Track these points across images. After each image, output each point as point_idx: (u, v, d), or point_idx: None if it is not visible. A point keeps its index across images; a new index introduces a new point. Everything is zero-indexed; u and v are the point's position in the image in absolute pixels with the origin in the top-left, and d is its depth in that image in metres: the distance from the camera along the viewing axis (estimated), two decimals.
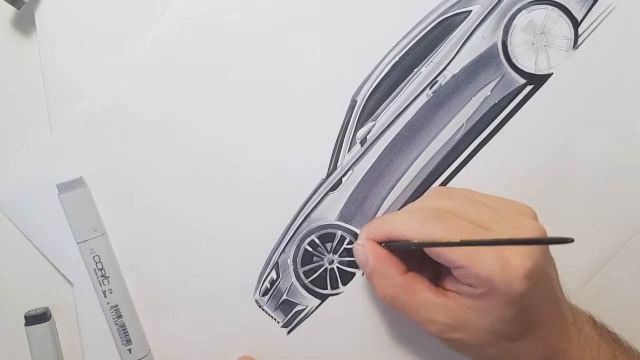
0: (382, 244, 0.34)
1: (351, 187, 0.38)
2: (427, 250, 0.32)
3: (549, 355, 0.32)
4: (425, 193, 0.37)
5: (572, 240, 0.23)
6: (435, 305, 0.32)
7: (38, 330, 0.38)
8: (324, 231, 0.38)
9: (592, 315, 0.36)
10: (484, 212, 0.33)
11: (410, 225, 0.32)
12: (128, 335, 0.38)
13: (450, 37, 0.37)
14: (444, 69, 0.37)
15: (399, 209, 0.38)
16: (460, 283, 0.32)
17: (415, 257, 0.35)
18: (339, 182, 0.38)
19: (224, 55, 0.37)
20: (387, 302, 0.34)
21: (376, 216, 0.38)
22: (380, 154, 0.38)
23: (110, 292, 0.37)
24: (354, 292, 0.39)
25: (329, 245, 0.39)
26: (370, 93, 0.38)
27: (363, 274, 0.38)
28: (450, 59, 0.37)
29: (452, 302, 0.32)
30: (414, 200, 0.38)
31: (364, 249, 0.35)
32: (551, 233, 0.38)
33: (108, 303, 0.37)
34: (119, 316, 0.37)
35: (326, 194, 0.38)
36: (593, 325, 0.35)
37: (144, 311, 0.39)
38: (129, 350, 0.38)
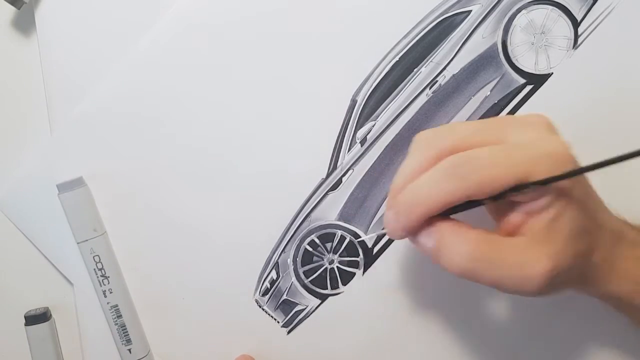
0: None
1: (351, 187, 0.38)
2: (475, 196, 0.28)
3: (619, 228, 0.31)
4: (412, 144, 0.31)
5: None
6: (522, 244, 0.28)
7: (38, 330, 0.38)
8: (324, 231, 0.38)
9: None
10: (492, 126, 0.29)
11: (444, 187, 0.28)
12: (128, 335, 0.38)
13: (450, 37, 0.37)
14: (444, 68, 0.37)
15: None
16: (522, 204, 0.28)
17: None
18: (339, 181, 0.38)
19: (224, 55, 0.37)
20: (469, 263, 0.28)
21: (376, 216, 0.38)
22: (380, 154, 0.38)
23: (110, 292, 0.37)
24: (354, 292, 0.39)
25: (329, 245, 0.39)
26: (370, 93, 0.38)
27: (363, 274, 0.38)
28: (450, 58, 0.37)
29: (531, 233, 0.28)
30: None
31: (424, 228, 0.29)
32: None
33: (108, 303, 0.37)
34: (119, 316, 0.37)
35: (326, 193, 0.38)
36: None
37: (144, 311, 0.39)
38: (129, 350, 0.38)
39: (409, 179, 0.29)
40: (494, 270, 0.28)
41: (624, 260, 0.31)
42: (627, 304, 0.32)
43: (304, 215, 0.38)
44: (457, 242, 0.28)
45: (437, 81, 0.37)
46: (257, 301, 0.39)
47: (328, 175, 0.38)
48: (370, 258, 0.39)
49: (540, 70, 0.37)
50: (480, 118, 0.38)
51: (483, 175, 0.27)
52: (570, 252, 0.28)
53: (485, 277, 0.28)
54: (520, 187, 0.27)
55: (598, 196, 0.31)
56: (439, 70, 0.37)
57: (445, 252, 0.29)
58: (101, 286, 0.37)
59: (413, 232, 0.29)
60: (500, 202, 0.28)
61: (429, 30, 0.37)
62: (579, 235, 0.28)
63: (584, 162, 0.38)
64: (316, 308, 0.39)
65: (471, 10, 0.37)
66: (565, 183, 0.27)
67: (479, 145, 0.28)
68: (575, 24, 0.37)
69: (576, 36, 0.37)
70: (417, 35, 0.37)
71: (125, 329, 0.37)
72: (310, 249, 0.39)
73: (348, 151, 0.38)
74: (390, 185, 0.30)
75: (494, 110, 0.38)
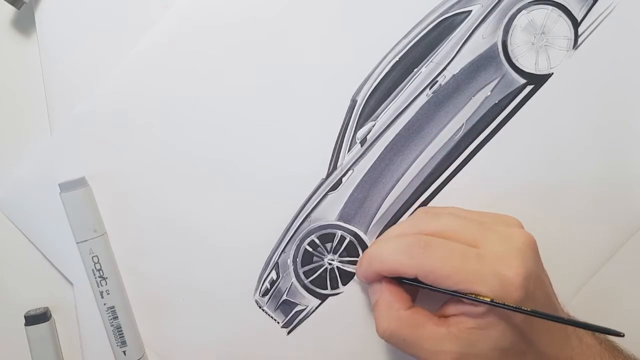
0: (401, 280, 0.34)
1: (351, 187, 0.38)
2: (422, 279, 0.32)
3: None
4: (411, 215, 0.37)
5: (622, 335, 0.25)
6: (439, 335, 0.32)
7: (38, 330, 0.38)
8: (324, 231, 0.38)
9: (593, 333, 0.36)
10: (471, 228, 0.33)
11: (401, 257, 0.32)
12: (123, 337, 0.38)
13: (450, 37, 0.37)
14: (444, 69, 0.37)
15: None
16: (461, 304, 0.32)
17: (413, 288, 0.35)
18: (339, 182, 0.38)
19: (224, 55, 0.37)
20: (387, 336, 0.33)
21: (376, 216, 0.38)
22: (380, 154, 0.38)
23: (108, 293, 0.37)
24: (354, 292, 0.39)
25: (329, 245, 0.39)
26: (370, 93, 0.38)
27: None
28: (450, 59, 0.37)
29: (455, 328, 0.32)
30: (413, 202, 0.38)
31: (376, 283, 0.34)
32: (550, 233, 0.38)
33: (105, 304, 0.37)
34: (115, 317, 0.37)
35: (326, 194, 0.38)
36: (592, 334, 0.35)
37: (143, 312, 0.39)
38: (124, 352, 0.38)
39: (391, 238, 0.35)
40: (409, 348, 0.32)
41: None
42: None
43: (304, 216, 0.38)
44: (386, 317, 0.33)
45: (437, 81, 0.37)
46: (257, 302, 0.39)
47: (328, 175, 0.38)
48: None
49: (541, 70, 0.37)
50: (480, 118, 0.38)
51: (432, 266, 0.31)
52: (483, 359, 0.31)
53: (400, 349, 0.33)
54: (459, 293, 0.31)
55: (551, 328, 0.33)
56: (439, 71, 0.37)
57: (377, 318, 0.34)
58: (99, 287, 0.37)
59: (367, 280, 0.35)
60: (442, 293, 0.31)
61: (429, 31, 0.37)
62: (501, 352, 0.31)
63: (581, 164, 0.38)
64: (316, 308, 0.39)
65: (471, 11, 0.37)
66: (503, 289, 0.30)
67: (454, 240, 0.32)
68: (576, 24, 0.37)
69: (576, 36, 0.37)
70: (417, 35, 0.37)
71: (121, 330, 0.37)
72: (310, 249, 0.39)
73: (348, 151, 0.38)
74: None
75: (494, 111, 0.38)
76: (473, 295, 0.30)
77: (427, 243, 0.32)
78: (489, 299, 0.30)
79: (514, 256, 0.31)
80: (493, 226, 0.33)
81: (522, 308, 0.29)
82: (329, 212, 0.38)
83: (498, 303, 0.29)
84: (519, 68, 0.37)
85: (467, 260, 0.31)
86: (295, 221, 0.38)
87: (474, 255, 0.31)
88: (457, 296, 0.31)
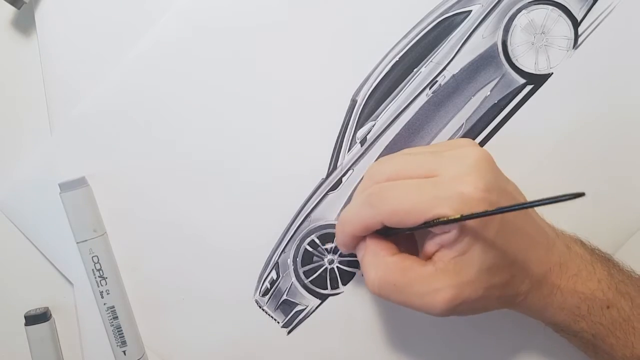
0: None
1: (351, 187, 0.38)
2: (389, 225, 0.31)
3: (544, 272, 0.32)
4: (367, 170, 0.35)
5: (583, 194, 0.24)
6: (428, 274, 0.31)
7: (38, 330, 0.38)
8: (324, 231, 0.38)
9: (579, 237, 0.35)
10: (423, 160, 0.32)
11: (362, 211, 0.32)
12: (123, 336, 0.38)
13: (450, 37, 0.37)
14: (444, 69, 0.37)
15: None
16: (437, 237, 0.31)
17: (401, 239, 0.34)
18: (339, 182, 0.38)
19: (224, 56, 0.37)
20: (377, 285, 0.32)
21: None
22: (380, 154, 0.38)
23: (108, 293, 0.37)
24: (354, 292, 0.39)
25: (329, 245, 0.39)
26: (370, 93, 0.38)
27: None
28: (450, 59, 0.37)
29: (439, 263, 0.31)
30: None
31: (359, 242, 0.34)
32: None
33: (105, 304, 0.37)
34: (115, 317, 0.37)
35: (326, 193, 0.38)
36: (581, 244, 0.35)
37: (143, 312, 0.39)
38: (124, 352, 0.38)
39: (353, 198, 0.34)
40: (401, 295, 0.31)
41: (560, 292, 0.32)
42: (565, 330, 0.34)
43: (304, 216, 0.38)
44: (372, 265, 0.32)
45: (437, 81, 0.37)
46: (257, 301, 0.39)
47: (328, 175, 0.38)
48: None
49: (541, 70, 0.37)
50: (479, 118, 0.38)
51: (392, 207, 0.30)
52: (475, 285, 0.30)
53: (393, 299, 0.32)
54: (427, 223, 0.30)
55: (530, 234, 0.32)
56: (439, 71, 0.37)
57: (365, 271, 0.33)
58: (99, 287, 0.37)
59: (347, 247, 0.34)
60: (415, 230, 0.31)
61: (429, 30, 0.37)
62: (488, 270, 0.30)
63: (581, 164, 0.38)
64: (316, 308, 0.39)
65: (471, 10, 0.37)
66: (474, 223, 0.30)
67: (409, 177, 0.31)
68: (575, 24, 0.37)
69: (576, 36, 0.37)
70: (417, 35, 0.37)
71: (121, 330, 0.37)
72: (310, 249, 0.39)
73: (348, 151, 0.38)
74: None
75: (494, 110, 0.38)
76: (438, 220, 0.29)
77: (381, 188, 0.31)
78: (458, 216, 0.29)
79: (469, 172, 0.30)
80: (445, 151, 0.32)
81: (486, 211, 0.28)
82: (329, 212, 0.38)
83: (462, 217, 0.28)
84: (518, 68, 0.37)
85: (424, 190, 0.30)
86: (295, 221, 0.38)
87: (430, 184, 0.30)
88: (426, 227, 0.30)
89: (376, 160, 0.37)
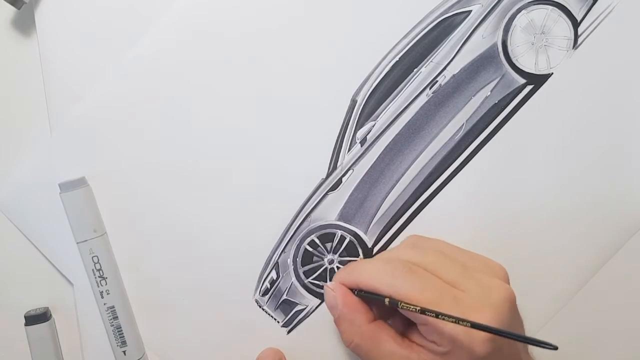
0: (355, 291, 0.35)
1: (351, 187, 0.38)
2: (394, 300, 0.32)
3: None
4: (400, 243, 0.37)
5: (556, 348, 0.25)
6: (398, 356, 0.32)
7: (38, 330, 0.38)
8: (324, 231, 0.38)
9: None
10: (454, 269, 0.33)
11: (381, 276, 0.33)
12: (123, 336, 0.38)
13: (450, 37, 0.37)
14: (444, 69, 0.37)
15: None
16: (425, 338, 0.32)
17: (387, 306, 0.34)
18: (339, 182, 0.38)
19: (224, 55, 0.37)
20: (352, 348, 0.34)
21: (376, 216, 0.38)
22: (380, 154, 0.38)
23: (108, 293, 0.37)
24: None
25: (329, 245, 0.39)
26: (370, 93, 0.38)
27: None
28: (450, 59, 0.37)
29: (415, 355, 0.32)
30: (413, 202, 0.38)
31: (334, 293, 0.35)
32: (549, 233, 0.38)
33: (105, 304, 0.37)
34: (115, 317, 0.37)
35: (326, 193, 0.38)
36: None
37: (143, 312, 0.39)
38: (124, 352, 0.38)
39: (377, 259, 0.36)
40: None
41: None
42: None
43: (304, 216, 0.38)
44: (349, 330, 0.34)
45: (437, 81, 0.37)
46: (257, 301, 0.39)
47: (328, 175, 0.38)
48: (371, 258, 0.38)
49: (541, 70, 0.37)
50: (480, 118, 0.38)
51: (409, 291, 0.31)
52: None
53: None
54: (429, 312, 0.30)
55: None
56: (439, 71, 0.37)
57: (341, 331, 0.35)
58: (99, 287, 0.37)
59: (336, 283, 0.35)
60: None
61: (429, 30, 0.37)
62: None
63: (581, 164, 0.38)
64: (316, 308, 0.39)
65: (471, 10, 0.37)
66: (466, 339, 0.30)
67: (438, 276, 0.32)
68: (575, 24, 0.37)
69: (576, 36, 0.37)
70: (417, 35, 0.37)
71: (121, 330, 0.37)
72: (310, 249, 0.39)
73: (348, 151, 0.38)
74: None
75: (494, 111, 0.38)
76: (439, 316, 0.30)
77: (410, 269, 0.32)
78: (452, 320, 0.29)
79: (488, 310, 0.30)
80: (475, 272, 0.33)
81: (490, 327, 0.29)
82: (329, 212, 0.38)
83: (473, 324, 0.28)
84: (518, 68, 0.37)
85: (443, 298, 0.31)
86: (295, 221, 0.38)
87: (451, 295, 0.31)
88: (426, 314, 0.30)
89: (411, 235, 0.38)
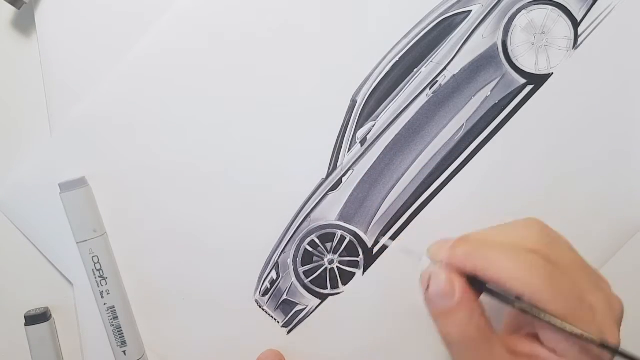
0: (483, 285, 0.28)
1: (351, 187, 0.38)
2: (528, 299, 0.27)
3: None
4: (524, 222, 0.30)
5: None
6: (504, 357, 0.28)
7: (38, 330, 0.38)
8: (324, 231, 0.38)
9: None
10: (587, 276, 0.29)
11: (516, 271, 0.27)
12: (123, 337, 0.38)
13: (450, 37, 0.37)
14: (444, 69, 0.37)
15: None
16: (539, 345, 0.28)
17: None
18: (339, 182, 0.38)
19: (224, 55, 0.37)
20: (462, 343, 0.28)
21: (376, 216, 0.38)
22: (380, 154, 0.38)
23: (108, 293, 0.37)
24: (354, 292, 0.39)
25: (329, 245, 0.39)
26: (370, 93, 0.38)
27: (363, 274, 0.38)
28: (450, 59, 0.37)
29: None
30: (414, 202, 0.38)
31: (450, 276, 0.28)
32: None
33: (105, 304, 0.37)
34: (115, 317, 0.37)
35: (326, 194, 0.38)
36: None
37: (143, 312, 0.39)
38: (124, 352, 0.38)
39: (499, 240, 0.29)
40: (473, 357, 0.28)
41: None
42: None
43: (304, 216, 0.38)
44: (466, 320, 0.28)
45: (437, 81, 0.37)
46: (257, 301, 0.39)
47: (328, 175, 0.38)
48: (370, 258, 0.39)
49: (541, 70, 0.37)
50: (480, 118, 0.38)
51: (549, 296, 0.27)
52: None
53: (462, 355, 0.28)
54: (597, 343, 0.27)
55: None
56: (439, 71, 0.37)
57: (453, 319, 0.28)
58: (99, 287, 0.37)
59: (449, 266, 0.28)
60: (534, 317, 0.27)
61: (429, 31, 0.37)
62: None
63: (581, 164, 0.38)
64: (316, 308, 0.39)
65: (471, 11, 0.37)
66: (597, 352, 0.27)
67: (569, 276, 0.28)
68: (575, 24, 0.37)
69: (576, 36, 0.37)
70: (417, 35, 0.37)
71: (121, 330, 0.37)
72: (310, 249, 0.39)
73: (348, 151, 0.38)
74: (479, 231, 0.30)
75: (494, 111, 0.38)
76: (578, 332, 0.26)
77: (552, 271, 0.27)
78: (597, 341, 0.27)
79: (615, 325, 0.28)
80: (599, 282, 0.30)
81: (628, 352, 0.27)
82: (329, 212, 0.38)
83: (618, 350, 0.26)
84: (519, 68, 0.37)
85: (582, 307, 0.27)
86: (295, 221, 0.38)
87: (588, 305, 0.28)
88: (555, 326, 0.27)
89: (537, 220, 0.31)
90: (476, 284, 0.28)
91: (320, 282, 0.39)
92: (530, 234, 0.29)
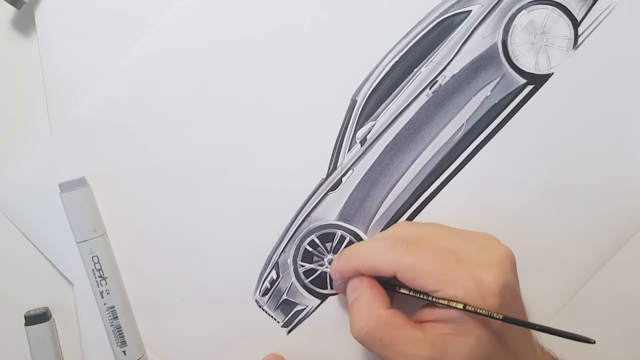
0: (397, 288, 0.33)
1: (351, 187, 0.38)
2: (399, 277, 0.32)
3: None
4: (393, 225, 0.37)
5: (593, 342, 0.26)
6: (414, 339, 0.31)
7: (38, 330, 0.38)
8: (324, 231, 0.38)
9: (555, 355, 0.36)
10: (450, 236, 0.33)
11: (382, 254, 0.32)
12: (123, 336, 0.38)
13: (450, 37, 0.37)
14: (444, 69, 0.37)
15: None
16: (437, 308, 0.31)
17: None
18: (339, 182, 0.38)
19: (224, 55, 0.37)
20: (363, 334, 0.32)
21: (376, 216, 0.38)
22: (380, 154, 0.38)
23: (108, 293, 0.37)
24: None
25: (329, 245, 0.39)
26: (370, 93, 0.38)
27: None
28: (450, 59, 0.37)
29: (430, 333, 0.31)
30: (414, 202, 0.38)
31: (354, 281, 0.34)
32: (550, 233, 0.38)
33: (105, 304, 0.37)
34: (115, 317, 0.37)
35: (326, 193, 0.38)
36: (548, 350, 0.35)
37: (143, 312, 0.39)
38: (124, 352, 0.38)
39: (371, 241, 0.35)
40: (383, 350, 0.32)
41: None
42: None
43: (304, 215, 0.38)
44: (364, 314, 0.32)
45: (437, 81, 0.37)
46: (257, 301, 0.39)
47: (328, 175, 0.38)
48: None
49: (541, 70, 0.37)
50: (480, 118, 0.38)
51: (411, 263, 0.31)
52: None
53: (373, 350, 0.32)
54: (433, 300, 0.31)
55: (521, 348, 0.32)
56: (439, 71, 0.37)
57: (352, 315, 0.33)
58: (99, 287, 0.37)
59: (343, 277, 0.34)
60: (414, 296, 0.32)
61: (429, 30, 0.37)
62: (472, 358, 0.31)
63: (581, 164, 0.38)
64: (316, 308, 0.39)
65: (471, 10, 0.37)
66: (479, 293, 0.30)
67: (436, 244, 0.32)
68: (575, 24, 0.37)
69: (576, 36, 0.37)
70: (417, 35, 0.37)
71: (121, 330, 0.37)
72: (310, 249, 0.39)
73: (348, 151, 0.38)
74: None
75: (494, 111, 0.38)
76: (447, 301, 0.30)
77: (409, 242, 0.32)
78: (461, 306, 0.30)
79: (493, 264, 0.31)
80: (473, 238, 0.33)
81: (494, 314, 0.29)
82: (329, 211, 0.38)
83: (472, 309, 0.29)
84: (519, 68, 0.37)
85: (446, 261, 0.31)
86: (295, 221, 0.38)
87: (453, 258, 0.31)
88: (432, 302, 0.31)
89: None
90: (389, 285, 0.33)
91: (320, 282, 0.39)
92: (396, 228, 0.35)
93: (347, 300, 0.35)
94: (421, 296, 0.32)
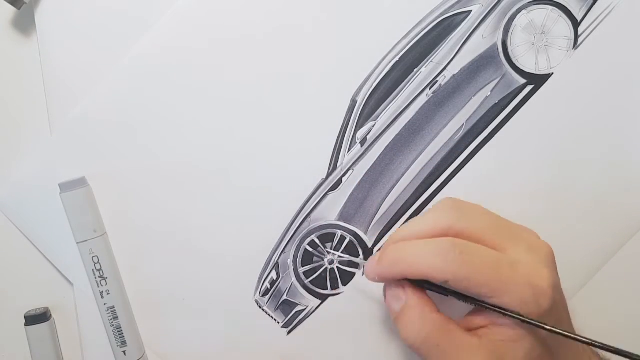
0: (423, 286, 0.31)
1: (351, 187, 0.38)
2: (452, 285, 0.29)
3: None
4: (437, 205, 0.33)
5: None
6: (472, 345, 0.30)
7: (38, 330, 0.38)
8: (324, 231, 0.38)
9: (598, 352, 0.35)
10: (500, 232, 0.31)
11: (432, 260, 0.29)
12: (123, 337, 0.38)
13: (450, 37, 0.37)
14: (444, 69, 0.37)
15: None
16: (492, 314, 0.30)
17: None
18: (339, 182, 0.38)
19: (224, 55, 0.37)
20: (418, 343, 0.30)
21: (376, 216, 0.38)
22: (380, 154, 0.38)
23: (108, 294, 0.37)
24: (354, 292, 0.39)
25: (329, 245, 0.39)
26: (370, 93, 0.38)
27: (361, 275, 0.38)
28: (450, 59, 0.37)
29: (486, 339, 0.30)
30: (414, 202, 0.38)
31: (396, 287, 0.32)
32: (550, 234, 0.38)
33: (105, 304, 0.37)
34: (115, 317, 0.37)
35: (326, 194, 0.38)
36: (598, 356, 0.35)
37: (143, 312, 0.39)
38: (124, 352, 0.38)
39: (414, 235, 0.31)
40: (440, 357, 0.30)
41: None
42: None
43: (304, 216, 0.38)
44: (417, 319, 0.30)
45: (437, 81, 0.37)
46: (257, 302, 0.39)
47: (328, 175, 0.38)
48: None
49: (541, 70, 0.37)
50: (480, 118, 0.38)
51: (467, 273, 0.29)
52: None
53: (428, 358, 0.30)
54: (484, 304, 0.30)
55: (574, 350, 0.32)
56: (439, 71, 0.37)
57: (405, 322, 0.31)
58: (99, 287, 0.37)
59: (385, 281, 0.32)
60: (467, 302, 0.30)
61: (429, 31, 0.37)
62: None
63: (581, 164, 0.38)
64: (316, 308, 0.39)
65: (471, 11, 0.37)
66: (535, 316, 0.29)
67: (482, 242, 0.30)
68: (575, 24, 0.37)
69: (576, 36, 0.37)
70: (417, 35, 0.37)
71: (121, 330, 0.37)
72: (310, 249, 0.39)
73: (348, 151, 0.38)
74: (396, 230, 0.33)
75: (494, 111, 0.38)
76: (505, 310, 0.29)
77: (462, 249, 0.29)
78: (519, 316, 0.29)
79: (542, 266, 0.30)
80: (519, 234, 0.32)
81: (553, 328, 0.29)
82: (329, 212, 0.38)
83: (527, 319, 0.29)
84: (519, 68, 0.37)
85: (501, 269, 0.29)
86: (295, 221, 0.38)
87: (506, 264, 0.30)
88: (487, 307, 0.30)
89: (447, 197, 0.34)
90: (420, 284, 0.31)
91: (320, 282, 0.39)
92: (441, 216, 0.31)
93: (388, 306, 0.32)
94: (474, 304, 0.30)
